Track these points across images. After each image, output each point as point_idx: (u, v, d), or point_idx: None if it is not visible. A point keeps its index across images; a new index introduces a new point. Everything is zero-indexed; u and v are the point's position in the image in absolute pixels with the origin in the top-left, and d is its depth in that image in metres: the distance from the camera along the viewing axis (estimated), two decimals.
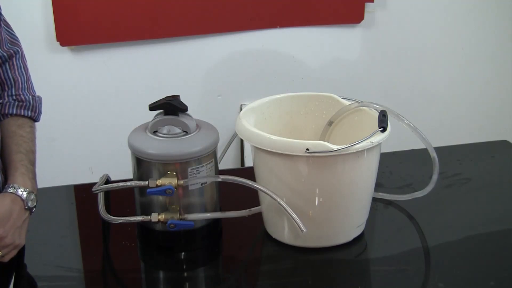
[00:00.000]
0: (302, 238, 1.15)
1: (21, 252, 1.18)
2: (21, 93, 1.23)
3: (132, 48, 2.07)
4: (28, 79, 1.27)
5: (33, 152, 1.19)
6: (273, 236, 1.21)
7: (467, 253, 1.17)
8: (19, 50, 1.25)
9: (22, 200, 1.09)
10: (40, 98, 1.27)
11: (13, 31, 1.25)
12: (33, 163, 1.18)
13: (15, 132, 1.19)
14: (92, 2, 1.94)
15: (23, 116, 1.22)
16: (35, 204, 1.13)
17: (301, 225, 1.08)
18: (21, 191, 1.10)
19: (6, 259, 1.08)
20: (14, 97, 1.22)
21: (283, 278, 1.13)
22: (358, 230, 1.21)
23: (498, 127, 2.44)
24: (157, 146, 1.12)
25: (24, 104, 1.22)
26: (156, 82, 2.12)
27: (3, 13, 1.21)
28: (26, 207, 1.10)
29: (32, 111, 1.23)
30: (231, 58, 2.18)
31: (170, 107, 1.15)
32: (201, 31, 2.10)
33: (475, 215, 1.31)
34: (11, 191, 1.09)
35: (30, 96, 1.24)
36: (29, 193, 1.11)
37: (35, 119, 1.24)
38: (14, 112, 1.21)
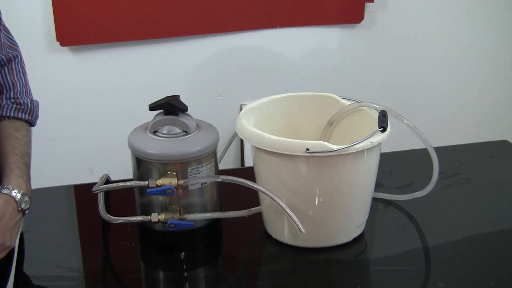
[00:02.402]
0: (302, 238, 1.15)
1: (21, 252, 1.19)
2: (19, 96, 1.23)
3: (132, 48, 2.07)
4: (26, 84, 1.27)
5: (28, 155, 1.20)
6: (273, 236, 1.21)
7: (467, 253, 1.17)
8: (18, 55, 1.26)
9: (16, 201, 1.10)
10: (37, 103, 1.27)
11: (12, 37, 1.26)
12: (28, 165, 1.18)
13: (12, 135, 1.19)
14: (92, 2, 1.94)
15: (20, 119, 1.22)
16: (28, 206, 1.13)
17: (300, 226, 1.08)
18: (15, 192, 1.10)
19: None
20: (12, 100, 1.22)
21: (283, 278, 1.13)
22: (358, 230, 1.21)
23: (498, 127, 2.44)
24: (157, 146, 1.12)
25: (22, 107, 1.22)
26: (156, 82, 2.12)
27: (3, 17, 1.22)
28: (19, 209, 1.10)
29: (29, 114, 1.23)
30: (231, 58, 2.18)
31: (170, 107, 1.15)
32: (201, 31, 2.10)
33: (475, 215, 1.31)
34: (5, 192, 1.09)
35: (28, 100, 1.24)
36: (23, 195, 1.11)
37: (31, 123, 1.25)
38: (12, 114, 1.21)
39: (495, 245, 1.20)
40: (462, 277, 1.10)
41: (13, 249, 1.19)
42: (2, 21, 1.22)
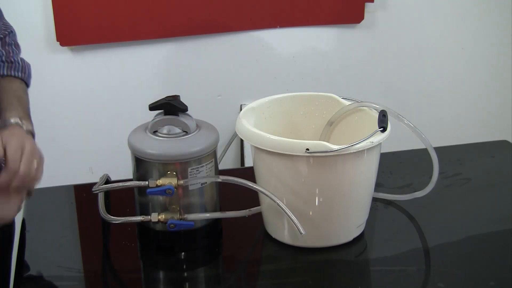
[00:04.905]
0: (302, 238, 1.14)
1: (21, 251, 1.19)
2: (11, 57, 1.26)
3: (132, 48, 2.07)
4: (20, 53, 1.30)
5: (23, 98, 1.20)
6: (273, 236, 1.21)
7: (467, 253, 1.17)
8: (12, 31, 1.30)
9: (19, 125, 1.09)
10: (28, 64, 1.29)
11: (5, 19, 1.30)
12: (23, 104, 1.17)
13: (5, 87, 1.21)
14: (92, 2, 1.94)
15: (14, 76, 1.24)
16: (31, 128, 1.11)
17: (300, 227, 1.08)
18: (9, 118, 1.09)
19: (39, 172, 1.04)
20: (3, 59, 1.25)
21: (283, 278, 1.13)
22: (358, 230, 1.21)
23: (498, 127, 2.44)
24: (157, 146, 1.12)
25: (14, 65, 1.25)
26: (156, 82, 2.12)
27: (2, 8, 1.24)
28: (26, 130, 1.09)
29: (22, 72, 1.25)
30: (231, 58, 2.18)
31: (170, 107, 1.15)
32: (201, 31, 2.10)
33: (475, 215, 1.31)
34: (12, 121, 1.08)
35: (19, 59, 1.27)
36: (18, 119, 1.09)
37: (25, 80, 1.26)
38: (5, 73, 1.23)
39: (495, 245, 1.20)
40: (462, 277, 1.10)
41: (12, 233, 1.20)
42: None
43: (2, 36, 1.27)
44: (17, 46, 1.31)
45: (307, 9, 2.17)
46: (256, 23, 2.14)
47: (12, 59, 1.25)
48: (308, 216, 1.14)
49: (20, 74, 1.25)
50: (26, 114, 1.15)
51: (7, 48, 1.27)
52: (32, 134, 1.11)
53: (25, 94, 1.23)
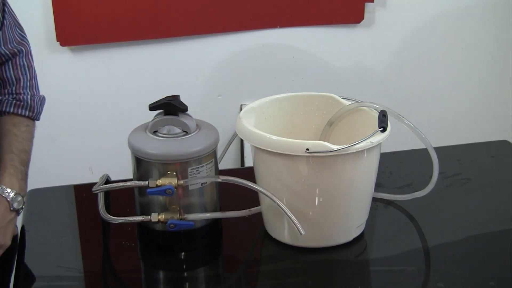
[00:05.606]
0: (302, 238, 1.15)
1: (21, 251, 1.19)
2: (21, 92, 1.22)
3: (132, 48, 2.07)
4: (32, 78, 1.26)
5: (26, 151, 1.18)
6: (273, 236, 1.21)
7: (467, 253, 1.17)
8: (24, 49, 1.25)
9: (8, 201, 1.09)
10: (41, 98, 1.26)
11: (22, 32, 1.26)
12: (25, 163, 1.17)
13: (9, 131, 1.18)
14: (92, 2, 1.95)
15: (20, 115, 1.21)
16: (22, 206, 1.12)
17: (300, 228, 1.08)
18: (7, 192, 1.10)
19: None
20: (14, 96, 1.22)
21: (283, 278, 1.13)
22: (358, 230, 1.21)
23: (498, 127, 2.44)
24: (157, 146, 1.12)
25: (22, 103, 1.21)
26: (156, 82, 2.12)
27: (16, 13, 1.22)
28: (12, 209, 1.10)
29: (29, 111, 1.22)
30: (231, 58, 2.18)
31: (170, 107, 1.15)
32: (201, 31, 2.10)
33: (475, 215, 1.31)
34: None
35: (29, 96, 1.23)
36: (15, 194, 1.10)
37: (33, 118, 1.23)
38: (11, 110, 1.20)
39: (495, 245, 1.20)
40: (462, 277, 1.10)
41: (14, 250, 1.20)
42: (12, 15, 1.22)
43: (11, 54, 1.22)
44: (30, 68, 1.26)
45: (307, 9, 2.17)
46: (256, 23, 2.14)
47: (22, 97, 1.22)
48: (308, 216, 1.14)
49: (27, 113, 1.22)
50: (23, 176, 1.15)
51: (18, 74, 1.23)
52: (16, 210, 1.11)
53: (28, 142, 1.20)
